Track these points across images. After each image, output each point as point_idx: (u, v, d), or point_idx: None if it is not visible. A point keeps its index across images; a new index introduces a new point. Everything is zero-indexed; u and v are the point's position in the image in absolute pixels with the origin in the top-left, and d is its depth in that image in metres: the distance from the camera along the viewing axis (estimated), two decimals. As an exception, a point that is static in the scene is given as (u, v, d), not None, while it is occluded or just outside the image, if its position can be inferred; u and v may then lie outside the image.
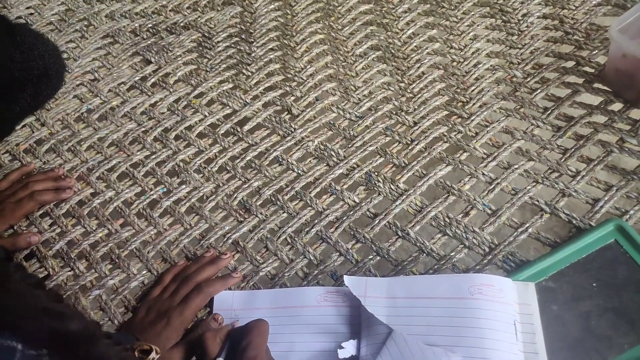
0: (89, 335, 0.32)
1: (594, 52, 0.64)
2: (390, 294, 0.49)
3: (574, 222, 0.52)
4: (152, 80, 0.79)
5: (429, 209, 0.57)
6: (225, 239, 0.61)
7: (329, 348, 0.48)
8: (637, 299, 0.47)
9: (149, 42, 0.85)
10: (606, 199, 0.52)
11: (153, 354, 0.48)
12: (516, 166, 0.57)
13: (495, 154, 0.59)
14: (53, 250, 0.63)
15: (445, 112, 0.65)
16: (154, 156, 0.70)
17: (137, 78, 0.80)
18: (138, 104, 0.77)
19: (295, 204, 0.62)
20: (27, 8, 0.95)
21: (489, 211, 0.55)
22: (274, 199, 0.63)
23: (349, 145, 0.65)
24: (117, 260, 0.61)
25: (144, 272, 0.60)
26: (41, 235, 0.65)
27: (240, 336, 0.47)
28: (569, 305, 0.48)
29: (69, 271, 0.62)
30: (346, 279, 0.51)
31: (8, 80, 0.69)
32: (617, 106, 0.59)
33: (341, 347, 0.47)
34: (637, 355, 0.44)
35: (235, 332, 0.49)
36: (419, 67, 0.71)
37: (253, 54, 0.79)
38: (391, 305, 0.49)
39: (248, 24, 0.84)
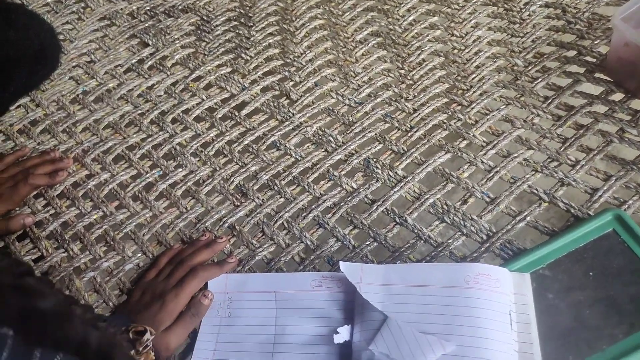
0: (62, 313, 0.30)
1: (596, 42, 0.63)
2: (385, 281, 0.49)
3: (572, 211, 0.52)
4: (150, 63, 0.78)
5: (427, 196, 0.56)
6: (221, 223, 0.60)
7: (321, 332, 0.48)
8: (634, 288, 0.46)
9: (146, 24, 0.84)
10: (605, 188, 0.52)
11: (147, 335, 0.48)
12: (515, 155, 0.57)
13: (495, 142, 0.59)
14: (47, 232, 0.63)
15: (445, 100, 0.65)
16: (150, 139, 0.69)
17: (134, 60, 0.79)
18: (135, 87, 0.76)
19: (293, 189, 0.61)
20: (23, -12, 0.93)
21: (488, 199, 0.55)
22: (271, 184, 0.62)
23: (348, 132, 0.65)
24: (111, 243, 0.61)
25: (139, 254, 0.60)
26: (35, 216, 0.64)
27: None
28: (564, 294, 0.47)
29: (63, 252, 0.61)
30: (342, 265, 0.50)
31: (3, 59, 0.68)
32: (617, 96, 0.58)
33: (336, 332, 0.47)
34: (631, 344, 0.44)
35: None
36: (419, 54, 0.70)
37: (252, 38, 0.78)
38: (386, 292, 0.48)
39: (247, 8, 0.83)
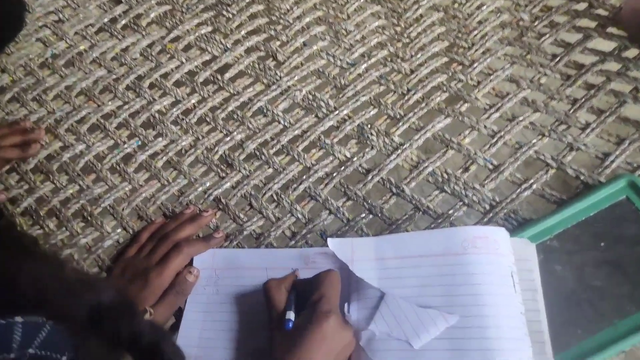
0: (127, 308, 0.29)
1: (609, -7, 0.59)
2: (378, 255, 0.46)
3: (582, 177, 0.48)
4: (123, 22, 0.72)
5: (426, 164, 0.53)
6: (206, 196, 0.57)
7: None
8: (648, 259, 0.44)
9: (119, -21, 0.77)
10: (617, 153, 0.49)
11: (147, 315, 0.46)
12: (521, 118, 0.53)
13: (499, 104, 0.55)
14: (21, 208, 0.59)
15: (445, 59, 0.60)
16: (126, 106, 0.64)
17: (106, 19, 0.73)
18: (108, 49, 0.70)
19: (282, 159, 0.57)
20: (-17, -60, 0.85)
21: (491, 166, 0.51)
22: (258, 153, 0.58)
23: (340, 95, 0.60)
24: (89, 218, 0.57)
25: (119, 230, 0.56)
26: (8, 192, 0.60)
27: (307, 287, 0.44)
28: (574, 265, 0.45)
29: (39, 229, 0.58)
30: (330, 242, 0.47)
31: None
32: (632, 52, 0.54)
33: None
34: (644, 318, 0.42)
35: (301, 283, 0.46)
36: (416, 10, 0.65)
37: (235, -6, 0.72)
38: (381, 267, 0.45)
39: (229, -39, 0.77)
